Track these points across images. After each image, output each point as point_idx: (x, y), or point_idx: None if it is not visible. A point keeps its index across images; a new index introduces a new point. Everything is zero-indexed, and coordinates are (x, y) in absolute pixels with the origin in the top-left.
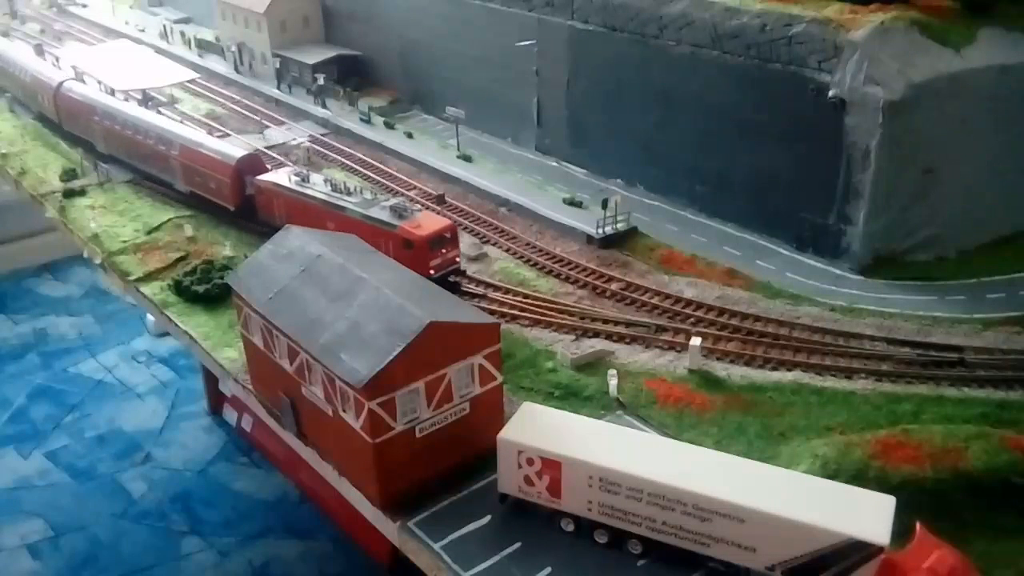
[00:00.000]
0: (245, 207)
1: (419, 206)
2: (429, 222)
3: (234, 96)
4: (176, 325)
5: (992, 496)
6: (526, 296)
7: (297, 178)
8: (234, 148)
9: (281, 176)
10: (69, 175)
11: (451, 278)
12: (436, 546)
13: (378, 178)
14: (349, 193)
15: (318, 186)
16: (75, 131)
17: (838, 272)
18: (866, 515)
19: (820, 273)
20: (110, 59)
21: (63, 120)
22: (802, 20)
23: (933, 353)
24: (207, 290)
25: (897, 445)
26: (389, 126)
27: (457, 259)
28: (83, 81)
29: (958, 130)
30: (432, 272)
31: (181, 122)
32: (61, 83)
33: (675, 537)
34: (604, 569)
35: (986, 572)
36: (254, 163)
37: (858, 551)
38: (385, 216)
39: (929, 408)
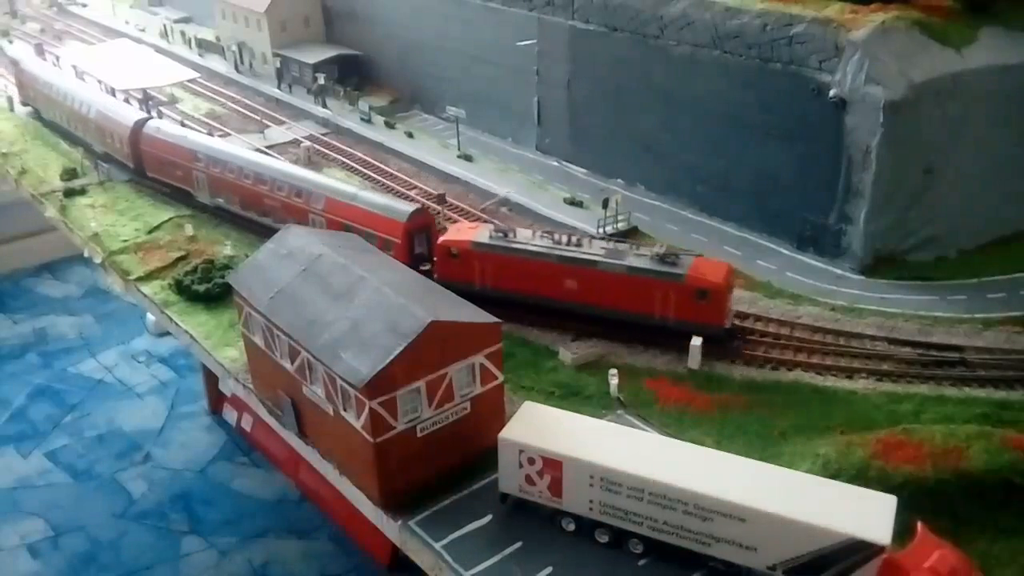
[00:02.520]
0: (418, 267)
1: (686, 249)
2: (711, 266)
3: (234, 96)
4: (177, 324)
5: (993, 496)
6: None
7: (499, 234)
8: (397, 202)
9: (477, 234)
10: (69, 174)
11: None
12: (437, 545)
13: (379, 178)
14: (577, 244)
15: (535, 241)
16: (162, 177)
17: (839, 272)
18: (867, 515)
19: (820, 273)
20: (110, 58)
21: (147, 166)
22: (803, 20)
23: (934, 353)
24: (208, 289)
25: (898, 445)
26: (389, 126)
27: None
28: (155, 112)
29: (958, 130)
30: (726, 325)
31: (315, 168)
32: (142, 123)
33: (676, 537)
34: (605, 569)
35: (987, 571)
36: (424, 219)
37: (859, 551)
38: (656, 265)
39: (930, 408)
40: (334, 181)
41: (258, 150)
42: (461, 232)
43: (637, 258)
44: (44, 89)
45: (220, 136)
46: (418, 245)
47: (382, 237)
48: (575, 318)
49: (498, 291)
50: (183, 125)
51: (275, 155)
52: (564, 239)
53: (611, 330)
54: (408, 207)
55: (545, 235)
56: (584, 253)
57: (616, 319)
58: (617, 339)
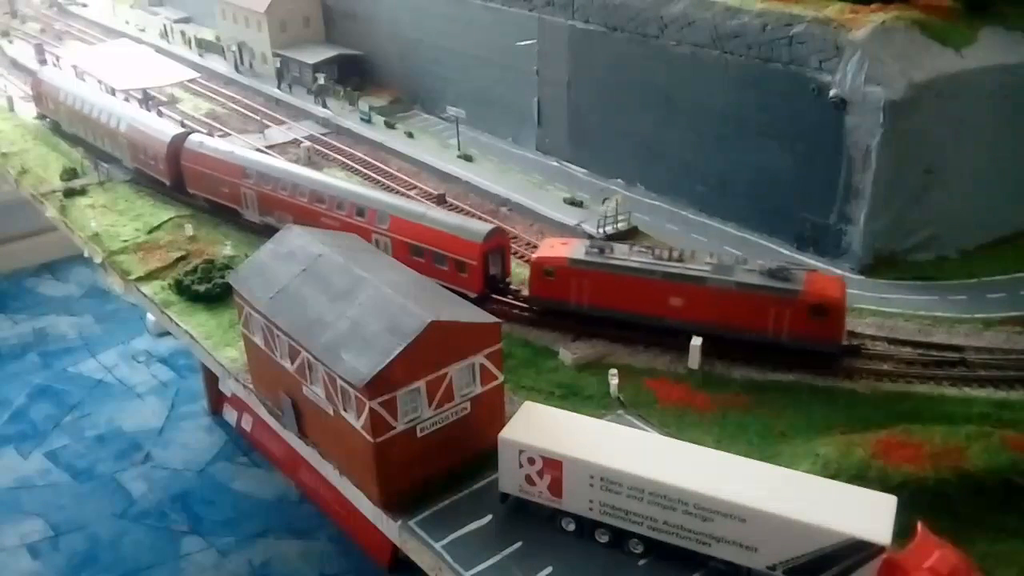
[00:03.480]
0: (492, 288)
1: (797, 265)
2: (825, 282)
3: (234, 96)
4: (177, 324)
5: (993, 496)
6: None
7: (595, 250)
8: (471, 221)
9: (571, 250)
10: (69, 174)
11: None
12: (437, 545)
13: (379, 178)
14: (679, 259)
15: (636, 257)
16: (205, 194)
17: (839, 272)
18: (867, 515)
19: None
20: (110, 59)
21: (189, 182)
22: (803, 20)
23: (934, 353)
24: (208, 289)
25: (898, 445)
26: (389, 126)
27: None
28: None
29: (959, 130)
30: (843, 341)
31: (376, 184)
32: (182, 137)
33: (676, 537)
34: (605, 568)
35: (987, 572)
36: (500, 239)
37: (859, 551)
38: (768, 281)
39: (930, 408)
40: (400, 199)
41: (282, 157)
42: (554, 249)
43: (746, 273)
44: (67, 101)
45: (220, 135)
46: (492, 266)
47: (455, 258)
48: (678, 335)
49: (596, 309)
50: (211, 135)
51: (331, 175)
52: (665, 254)
53: (721, 347)
54: (484, 226)
55: (644, 250)
56: (691, 269)
57: (723, 336)
58: (617, 339)
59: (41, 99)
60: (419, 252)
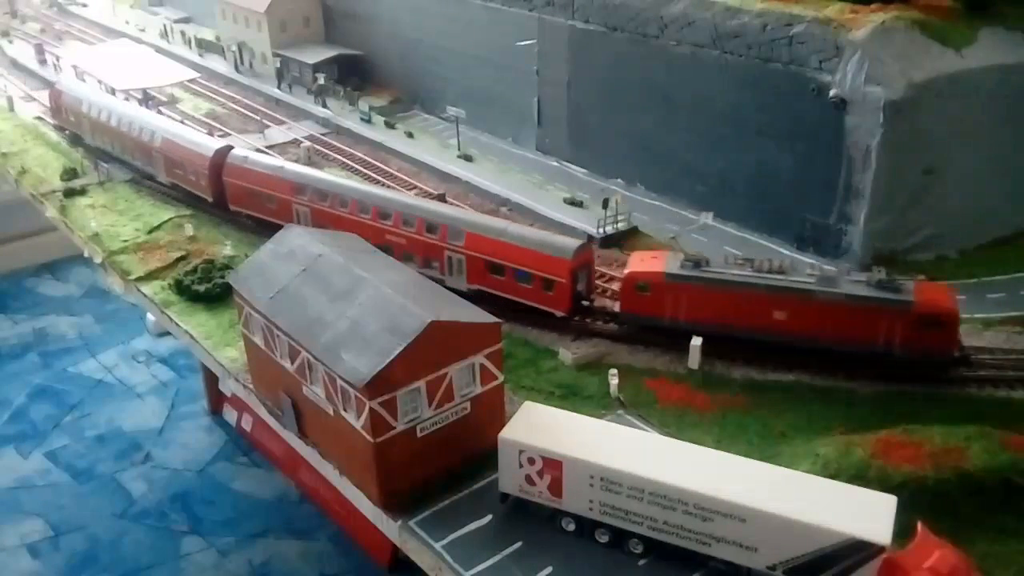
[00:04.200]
0: (577, 307)
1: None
2: (936, 291)
3: (234, 96)
4: (177, 324)
5: (993, 496)
6: None
7: (691, 264)
8: (556, 237)
9: (665, 264)
10: (69, 174)
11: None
12: (437, 545)
13: (379, 178)
14: (780, 270)
15: (735, 270)
16: (250, 211)
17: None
18: (867, 515)
19: None
20: (111, 59)
21: (232, 199)
22: (803, 20)
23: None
24: (208, 289)
25: (898, 445)
26: (389, 126)
27: None
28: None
29: (959, 130)
30: (957, 352)
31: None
32: (224, 151)
33: (676, 537)
34: (605, 568)
35: (987, 572)
36: (587, 254)
37: (859, 551)
38: (878, 292)
39: (930, 408)
40: (474, 214)
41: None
42: (646, 263)
43: (853, 285)
44: (91, 113)
45: (219, 134)
46: (579, 282)
47: (541, 276)
48: (783, 350)
49: (695, 325)
50: (258, 150)
51: (392, 187)
52: (765, 266)
53: (819, 361)
54: (571, 242)
55: (743, 262)
56: (796, 282)
57: (830, 350)
58: (617, 339)
59: (60, 111)
60: (498, 270)
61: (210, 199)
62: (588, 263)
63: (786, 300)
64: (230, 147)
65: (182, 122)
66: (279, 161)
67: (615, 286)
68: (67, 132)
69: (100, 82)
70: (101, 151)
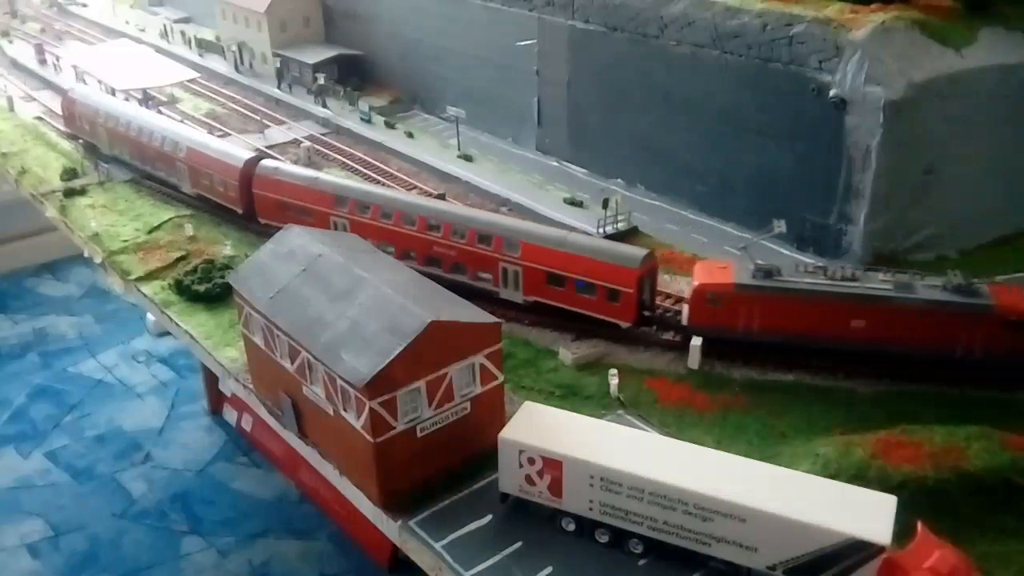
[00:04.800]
0: (644, 318)
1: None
2: (1015, 295)
3: (234, 96)
4: (177, 324)
5: (993, 496)
6: None
7: (761, 273)
8: (619, 246)
9: (734, 274)
10: (69, 174)
11: None
12: (437, 545)
13: (379, 178)
14: (852, 278)
15: (807, 278)
16: (281, 224)
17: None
18: (867, 515)
19: None
20: (110, 59)
21: (261, 211)
22: (803, 20)
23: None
24: (208, 289)
25: (898, 445)
26: (389, 126)
27: None
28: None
29: (959, 130)
30: None
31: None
32: (254, 162)
33: (676, 537)
34: (605, 568)
35: (987, 572)
36: (652, 263)
37: (859, 551)
38: (956, 296)
39: (930, 407)
40: (528, 223)
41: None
42: (714, 274)
43: (929, 290)
44: (108, 122)
45: (219, 134)
46: (644, 292)
47: (606, 286)
48: (860, 359)
49: (768, 336)
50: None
51: (446, 199)
52: (837, 274)
53: (900, 369)
54: (637, 251)
55: (815, 270)
56: (873, 289)
57: (908, 357)
58: (617, 339)
59: (74, 119)
60: (559, 281)
61: (240, 211)
62: (653, 272)
63: (864, 308)
64: (260, 156)
65: (212, 134)
66: (312, 172)
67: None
68: (81, 141)
69: (100, 82)
70: (119, 161)
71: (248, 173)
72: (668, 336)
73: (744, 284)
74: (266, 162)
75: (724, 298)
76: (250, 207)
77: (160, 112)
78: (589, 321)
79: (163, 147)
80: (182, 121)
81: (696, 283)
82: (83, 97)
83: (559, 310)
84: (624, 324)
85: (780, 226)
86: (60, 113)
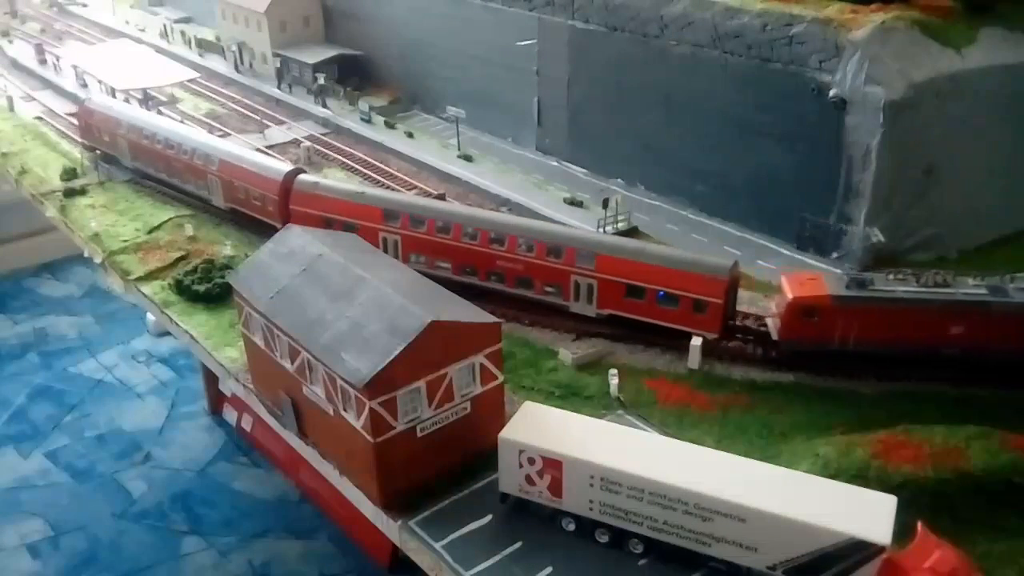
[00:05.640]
0: (727, 331)
1: None
2: None
3: (234, 96)
4: (177, 324)
5: (993, 496)
6: None
7: (855, 284)
8: (704, 256)
9: (828, 286)
10: (69, 174)
11: None
12: (437, 545)
13: (379, 178)
14: (944, 283)
15: (903, 286)
16: None
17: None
18: (867, 515)
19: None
20: (110, 59)
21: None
22: (803, 20)
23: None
24: (208, 289)
25: (898, 445)
26: (389, 126)
27: None
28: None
29: (959, 130)
30: None
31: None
32: (293, 175)
33: (676, 536)
34: (605, 568)
35: (987, 571)
36: (736, 272)
37: (860, 551)
38: None
39: (930, 407)
40: (600, 235)
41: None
42: (805, 286)
43: (1021, 292)
44: (131, 134)
45: (219, 134)
46: (730, 303)
47: (692, 298)
48: (958, 367)
49: (864, 346)
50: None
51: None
52: (930, 280)
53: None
54: (723, 261)
55: (905, 278)
56: (971, 294)
57: (1007, 362)
58: (617, 339)
59: (91, 130)
60: (638, 292)
61: (280, 226)
62: (736, 283)
63: (963, 314)
64: (299, 170)
65: (158, 113)
66: (356, 186)
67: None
68: (98, 152)
69: (100, 82)
70: (143, 173)
71: (288, 187)
72: (750, 350)
73: (841, 296)
74: (304, 177)
75: (820, 310)
76: (288, 222)
77: (160, 112)
78: (667, 333)
79: (193, 160)
80: (158, 112)
81: (791, 296)
82: (102, 107)
83: (632, 323)
84: (710, 335)
85: (876, 234)
86: (76, 123)
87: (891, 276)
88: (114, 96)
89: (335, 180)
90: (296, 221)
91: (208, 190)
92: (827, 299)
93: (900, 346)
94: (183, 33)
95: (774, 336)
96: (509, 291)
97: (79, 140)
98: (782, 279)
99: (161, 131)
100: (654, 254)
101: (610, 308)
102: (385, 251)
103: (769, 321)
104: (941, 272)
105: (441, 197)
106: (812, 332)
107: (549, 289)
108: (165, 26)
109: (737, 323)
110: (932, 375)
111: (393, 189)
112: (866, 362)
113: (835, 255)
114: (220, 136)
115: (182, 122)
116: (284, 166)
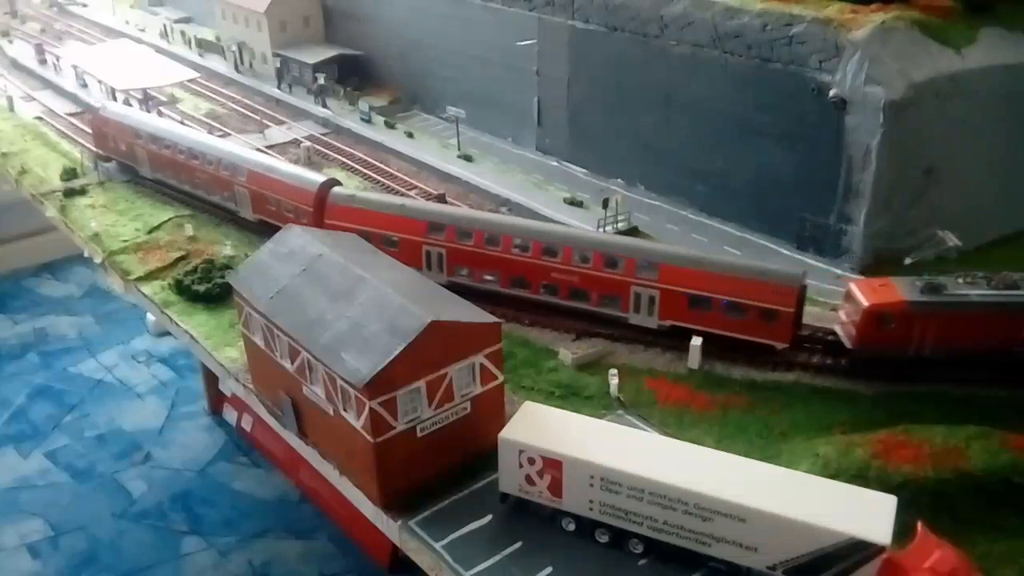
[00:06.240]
0: (798, 339)
1: None
2: None
3: (234, 96)
4: (177, 324)
5: (993, 495)
6: None
7: (929, 289)
8: (773, 265)
9: (903, 292)
10: (69, 174)
11: None
12: (437, 545)
13: (379, 178)
14: (1015, 285)
15: (976, 289)
16: None
17: (839, 272)
18: (867, 515)
19: (821, 273)
20: (110, 59)
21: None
22: (803, 20)
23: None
24: (208, 289)
25: (898, 444)
26: (390, 126)
27: None
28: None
29: (959, 130)
30: None
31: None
32: (327, 187)
33: (676, 536)
34: (605, 569)
35: (987, 571)
36: (804, 283)
37: (859, 551)
38: None
39: (930, 407)
40: (661, 245)
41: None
42: (879, 293)
43: None
44: (151, 144)
45: (219, 134)
46: (800, 311)
47: (761, 307)
48: None
49: (940, 352)
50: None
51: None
52: (999, 282)
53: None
54: (794, 269)
55: (976, 280)
56: None
57: None
58: (617, 339)
59: (106, 139)
60: (703, 303)
61: None
62: (805, 291)
63: None
64: (334, 182)
65: (159, 114)
66: (396, 198)
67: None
68: (112, 161)
69: (100, 82)
70: (163, 183)
71: (323, 199)
72: (817, 360)
73: (917, 301)
74: (339, 190)
75: (897, 318)
76: None
77: (161, 114)
78: (735, 344)
79: (219, 171)
80: (158, 112)
81: (866, 303)
82: (119, 116)
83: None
84: (780, 345)
85: (951, 238)
86: (91, 132)
87: (961, 279)
88: (114, 97)
89: (372, 192)
90: None
91: (235, 202)
92: (904, 305)
93: (974, 349)
94: (183, 33)
95: (848, 344)
96: (564, 304)
97: (93, 148)
98: (851, 287)
99: (184, 141)
100: (719, 263)
101: (672, 319)
102: (428, 265)
103: (838, 329)
104: (1009, 274)
105: (441, 197)
106: (888, 339)
107: (608, 301)
108: (165, 26)
109: (803, 333)
110: (1003, 378)
111: (393, 189)
112: (938, 367)
113: (836, 255)
114: (219, 136)
115: (213, 134)
116: (318, 177)
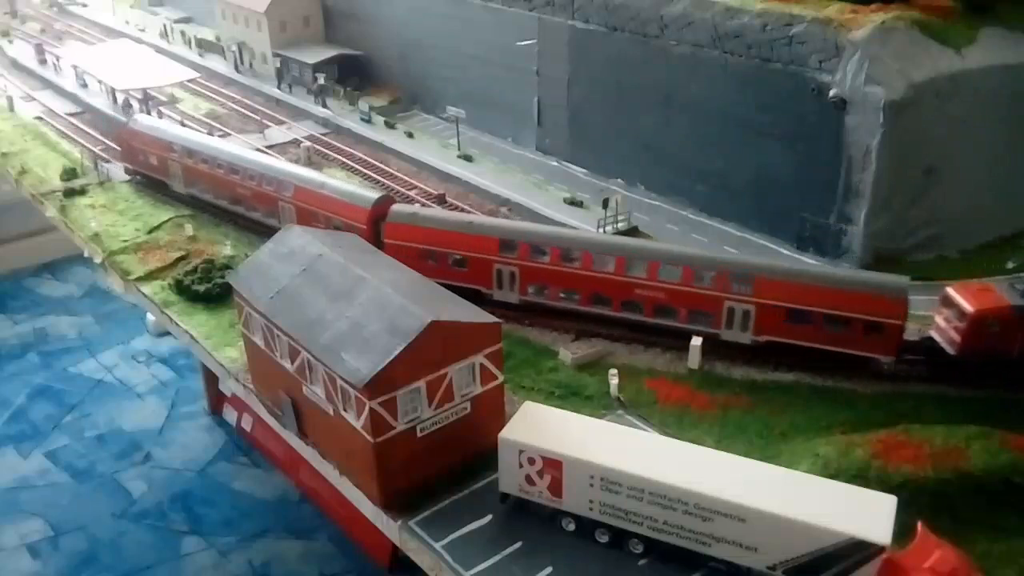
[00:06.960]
0: (903, 349)
1: None
2: None
3: (234, 96)
4: (177, 324)
5: (993, 496)
6: None
7: (1019, 294)
8: (872, 275)
9: (1005, 297)
10: (69, 174)
11: None
12: (437, 545)
13: (379, 178)
14: None
15: None
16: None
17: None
18: (867, 515)
19: None
20: (110, 59)
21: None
22: (803, 20)
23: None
24: (208, 289)
25: (898, 445)
26: (390, 126)
27: None
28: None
29: (959, 130)
30: None
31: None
32: (384, 204)
33: (676, 537)
34: (605, 569)
35: (987, 571)
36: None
37: (859, 551)
38: None
39: (930, 407)
40: (756, 257)
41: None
42: (980, 297)
43: None
44: (184, 158)
45: (219, 134)
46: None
47: (867, 320)
48: None
49: None
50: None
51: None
52: None
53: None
54: (899, 279)
55: None
56: None
57: None
58: (617, 339)
59: (135, 153)
60: (803, 317)
61: None
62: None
63: None
64: (389, 199)
65: (159, 114)
66: (462, 215)
67: None
68: (138, 176)
69: (100, 82)
70: (198, 200)
71: (378, 217)
72: (918, 370)
73: (1021, 305)
74: (399, 207)
75: (1003, 323)
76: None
77: (161, 114)
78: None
79: (262, 186)
80: (158, 113)
81: (973, 309)
82: (149, 129)
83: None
84: (885, 359)
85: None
86: (116, 146)
87: None
88: (115, 97)
89: (435, 209)
90: (390, 254)
91: (279, 218)
92: (1008, 310)
93: None
94: (183, 33)
95: (950, 351)
96: (648, 321)
97: (122, 163)
98: (950, 293)
99: (223, 154)
100: (818, 274)
101: (769, 335)
102: (500, 284)
103: (935, 336)
104: None
105: (441, 197)
106: (993, 344)
107: (699, 316)
108: (165, 26)
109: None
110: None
111: (393, 189)
112: None
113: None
114: (221, 136)
115: (213, 134)
116: (372, 193)
